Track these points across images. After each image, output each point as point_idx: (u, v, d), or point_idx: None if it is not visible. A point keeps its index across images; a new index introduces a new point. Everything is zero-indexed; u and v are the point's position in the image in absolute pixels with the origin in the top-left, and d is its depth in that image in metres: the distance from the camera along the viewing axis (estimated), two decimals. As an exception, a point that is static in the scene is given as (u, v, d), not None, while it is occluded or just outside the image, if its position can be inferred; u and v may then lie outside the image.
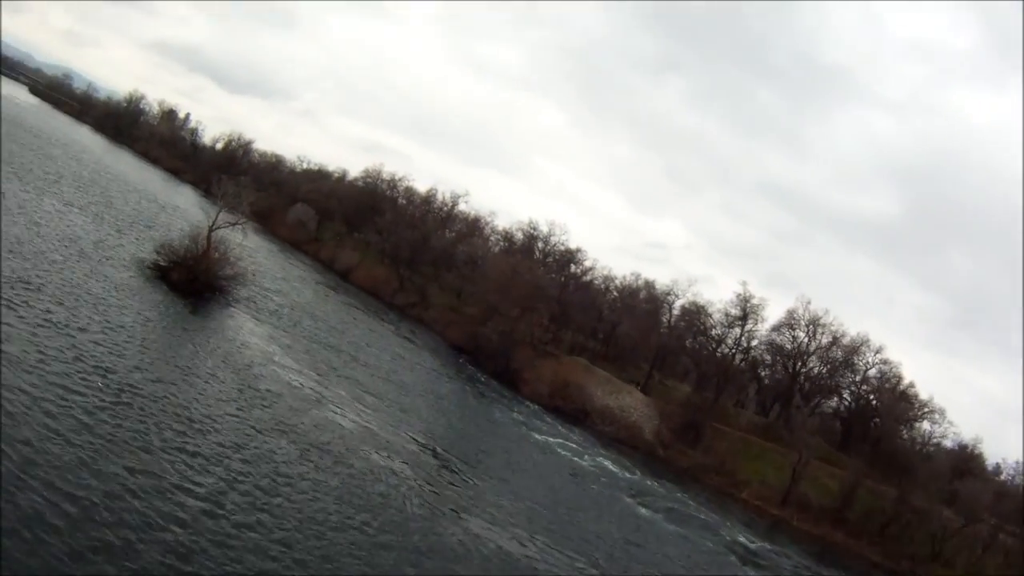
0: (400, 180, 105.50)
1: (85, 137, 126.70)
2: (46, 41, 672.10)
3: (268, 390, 30.11)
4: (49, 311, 27.03)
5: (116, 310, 31.50)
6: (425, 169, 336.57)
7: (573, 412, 58.34)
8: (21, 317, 25.00)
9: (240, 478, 20.98)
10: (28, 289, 28.34)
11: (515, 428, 46.67)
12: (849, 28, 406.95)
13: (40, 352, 22.95)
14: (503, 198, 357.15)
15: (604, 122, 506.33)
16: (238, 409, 26.46)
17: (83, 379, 22.54)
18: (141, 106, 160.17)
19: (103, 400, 21.84)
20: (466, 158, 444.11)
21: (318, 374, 36.93)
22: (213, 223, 43.17)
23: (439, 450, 33.28)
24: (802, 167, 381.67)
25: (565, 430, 51.32)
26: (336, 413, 31.37)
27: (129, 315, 31.77)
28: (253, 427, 25.33)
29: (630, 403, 61.98)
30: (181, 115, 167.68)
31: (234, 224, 45.51)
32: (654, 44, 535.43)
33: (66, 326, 26.43)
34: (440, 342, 66.07)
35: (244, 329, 39.36)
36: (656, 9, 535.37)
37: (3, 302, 25.15)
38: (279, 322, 45.45)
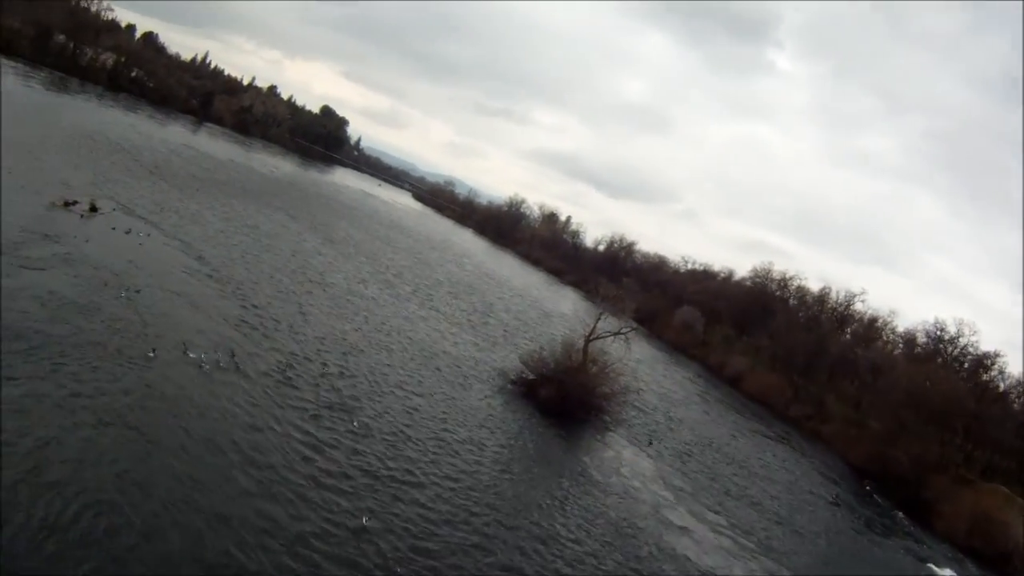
0: (791, 279, 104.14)
1: (467, 240, 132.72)
2: (429, 153, 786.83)
3: (657, 568, 23.83)
4: (371, 453, 21.94)
5: (461, 439, 26.53)
6: (807, 267, 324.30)
7: (992, 555, 54.08)
8: (321, 446, 20.90)
9: None
10: (342, 407, 24.12)
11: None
12: None
13: (316, 496, 18.32)
14: (888, 295, 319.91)
15: (983, 208, 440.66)
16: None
17: (393, 532, 18.16)
18: (522, 209, 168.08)
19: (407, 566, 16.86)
20: (848, 254, 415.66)
21: (721, 536, 30.47)
22: (591, 332, 40.02)
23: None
24: None
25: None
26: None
27: (473, 442, 26.79)
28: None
29: (1055, 543, 55.37)
30: (562, 218, 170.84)
31: (616, 333, 42.09)
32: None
33: (378, 456, 21.79)
34: (841, 464, 65.62)
35: (624, 463, 33.70)
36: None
37: (311, 424, 21.81)
38: (669, 454, 39.26)
